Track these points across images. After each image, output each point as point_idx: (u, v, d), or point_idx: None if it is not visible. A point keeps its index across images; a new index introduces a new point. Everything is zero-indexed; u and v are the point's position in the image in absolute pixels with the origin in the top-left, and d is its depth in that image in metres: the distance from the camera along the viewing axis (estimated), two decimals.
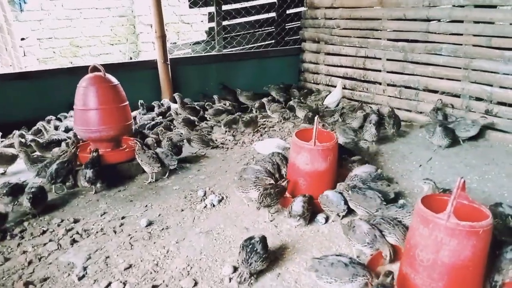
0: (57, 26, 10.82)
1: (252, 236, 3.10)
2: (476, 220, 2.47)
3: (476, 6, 5.66)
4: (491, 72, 5.61)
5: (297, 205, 3.63)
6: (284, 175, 4.36)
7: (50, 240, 3.56)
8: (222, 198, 4.26)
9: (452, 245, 2.44)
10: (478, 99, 5.87)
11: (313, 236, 3.58)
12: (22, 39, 9.55)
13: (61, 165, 4.37)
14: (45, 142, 5.26)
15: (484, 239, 2.46)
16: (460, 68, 5.92)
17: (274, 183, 3.97)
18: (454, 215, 2.44)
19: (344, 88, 7.50)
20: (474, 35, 5.71)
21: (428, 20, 6.25)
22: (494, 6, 5.63)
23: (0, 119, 6.07)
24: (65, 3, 10.75)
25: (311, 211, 3.71)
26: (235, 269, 3.11)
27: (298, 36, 8.65)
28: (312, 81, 8.37)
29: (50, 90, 6.51)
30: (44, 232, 3.70)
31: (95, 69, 4.83)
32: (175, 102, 6.89)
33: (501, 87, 5.55)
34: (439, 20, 6.29)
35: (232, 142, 5.96)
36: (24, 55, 9.52)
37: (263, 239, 3.09)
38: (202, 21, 11.89)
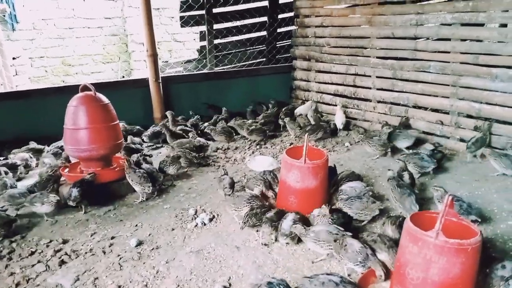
0: (49, 45, 10.85)
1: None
2: (464, 237, 2.48)
3: (463, 25, 5.74)
4: (479, 89, 5.68)
5: (287, 224, 3.60)
6: (276, 193, 4.36)
7: (39, 261, 3.51)
8: (213, 216, 4.24)
9: (441, 263, 2.44)
10: (467, 115, 5.93)
11: (304, 254, 3.55)
12: (14, 58, 9.54)
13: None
14: None
15: (473, 256, 2.46)
16: (448, 85, 5.99)
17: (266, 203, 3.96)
18: (442, 233, 2.45)
19: (335, 105, 7.54)
20: (462, 53, 5.79)
21: (416, 38, 6.35)
22: (481, 24, 5.72)
23: None
24: (57, 22, 10.81)
25: None
26: None
27: (289, 54, 8.74)
28: (304, 98, 8.41)
29: (40, 109, 6.49)
30: (32, 253, 3.65)
31: (85, 88, 4.84)
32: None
33: (489, 103, 5.61)
34: (427, 38, 6.39)
35: (223, 159, 5.96)
36: (16, 74, 9.50)
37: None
38: (194, 40, 11.98)
